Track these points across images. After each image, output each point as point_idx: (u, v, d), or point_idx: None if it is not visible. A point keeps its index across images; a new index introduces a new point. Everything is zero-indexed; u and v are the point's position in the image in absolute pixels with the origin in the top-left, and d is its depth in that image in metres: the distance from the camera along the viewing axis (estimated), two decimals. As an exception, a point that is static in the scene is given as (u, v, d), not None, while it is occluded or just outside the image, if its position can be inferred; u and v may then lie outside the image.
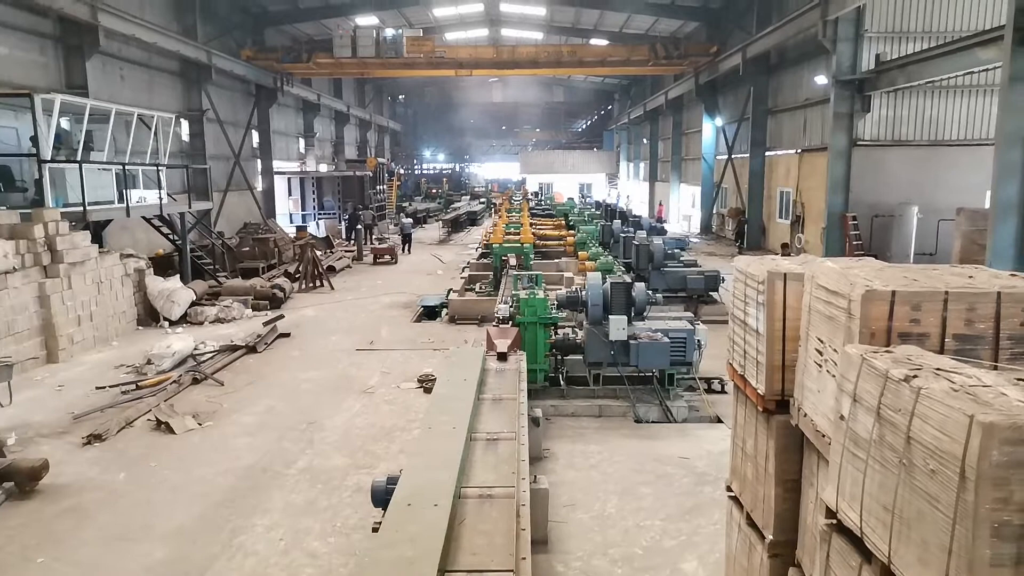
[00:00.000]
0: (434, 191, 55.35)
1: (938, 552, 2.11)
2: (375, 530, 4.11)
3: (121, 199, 14.81)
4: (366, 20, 32.62)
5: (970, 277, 3.19)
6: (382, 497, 4.62)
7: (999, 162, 11.95)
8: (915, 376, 2.29)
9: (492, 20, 38.45)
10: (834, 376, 3.01)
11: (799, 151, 23.39)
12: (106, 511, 6.55)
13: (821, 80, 21.23)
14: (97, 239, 14.03)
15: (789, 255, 14.85)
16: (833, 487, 2.77)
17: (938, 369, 2.34)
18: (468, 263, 20.62)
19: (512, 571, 3.64)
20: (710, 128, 32.02)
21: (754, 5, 25.44)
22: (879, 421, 2.43)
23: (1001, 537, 1.96)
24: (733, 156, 29.09)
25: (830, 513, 2.80)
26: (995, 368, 2.71)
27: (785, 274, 3.87)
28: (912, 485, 2.23)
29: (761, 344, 3.99)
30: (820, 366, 3.34)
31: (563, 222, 24.26)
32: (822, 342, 3.31)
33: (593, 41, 36.30)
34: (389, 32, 28.80)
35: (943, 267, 3.53)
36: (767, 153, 26.24)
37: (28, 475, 6.78)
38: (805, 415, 3.52)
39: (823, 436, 3.26)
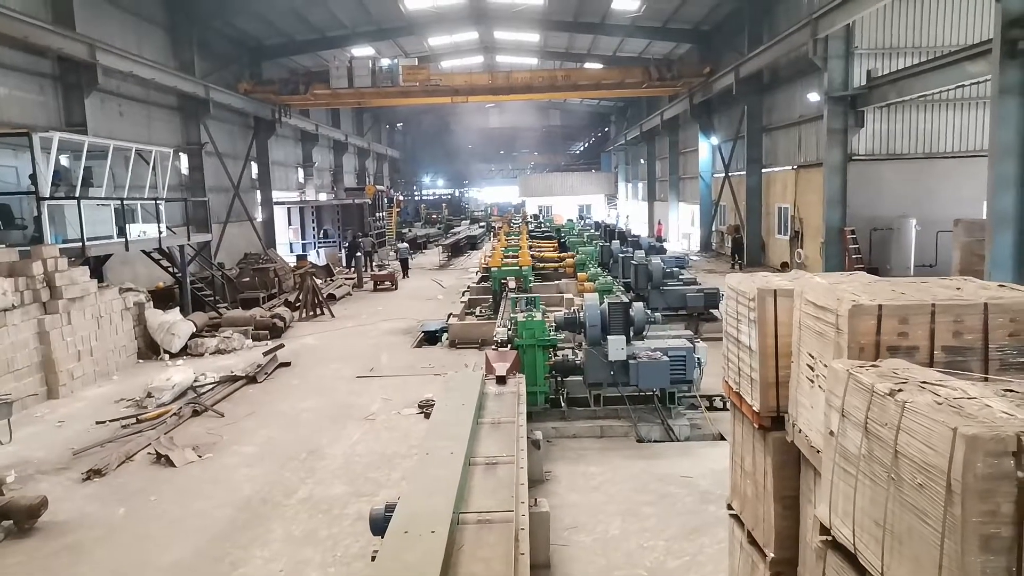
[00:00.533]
0: (434, 216, 55.57)
1: (930, 567, 2.10)
2: (374, 559, 4.08)
3: (120, 234, 14.89)
4: (362, 51, 33.01)
5: (958, 289, 3.20)
6: (381, 525, 4.58)
7: (993, 174, 11.98)
8: (900, 390, 2.29)
9: (487, 47, 38.88)
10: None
11: (795, 167, 23.50)
12: (105, 547, 6.51)
13: (814, 97, 21.40)
14: (97, 274, 14.09)
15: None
16: (826, 503, 2.75)
17: (923, 382, 2.34)
18: (468, 287, 20.63)
19: (510, 597, 3.61)
20: (706, 147, 32.20)
21: (745, 26, 25.71)
22: (867, 436, 2.42)
23: (991, 550, 1.95)
24: (730, 174, 29.22)
25: (824, 530, 2.78)
26: (986, 379, 2.71)
27: (775, 291, 3.88)
28: (901, 500, 2.22)
29: (754, 361, 3.99)
30: (812, 381, 3.33)
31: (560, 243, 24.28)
32: (813, 357, 3.31)
33: (587, 65, 36.68)
34: (385, 62, 29.14)
35: (932, 280, 3.54)
36: (763, 170, 26.37)
37: (26, 513, 6.74)
38: (800, 431, 3.50)
39: (818, 452, 3.24)
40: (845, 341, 2.93)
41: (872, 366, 2.62)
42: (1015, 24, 11.42)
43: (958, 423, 1.98)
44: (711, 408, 9.57)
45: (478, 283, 20.44)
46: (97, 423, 10.06)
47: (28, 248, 11.97)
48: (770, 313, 3.89)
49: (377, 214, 37.35)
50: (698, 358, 9.11)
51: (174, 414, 10.20)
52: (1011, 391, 2.34)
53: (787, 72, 23.81)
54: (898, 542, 2.25)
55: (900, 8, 19.13)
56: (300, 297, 19.10)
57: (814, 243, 21.25)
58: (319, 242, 33.41)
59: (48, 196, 12.92)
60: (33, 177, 12.75)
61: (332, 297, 20.71)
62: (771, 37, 22.50)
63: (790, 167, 23.97)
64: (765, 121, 26.25)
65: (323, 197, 37.81)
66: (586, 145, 76.62)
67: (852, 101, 18.83)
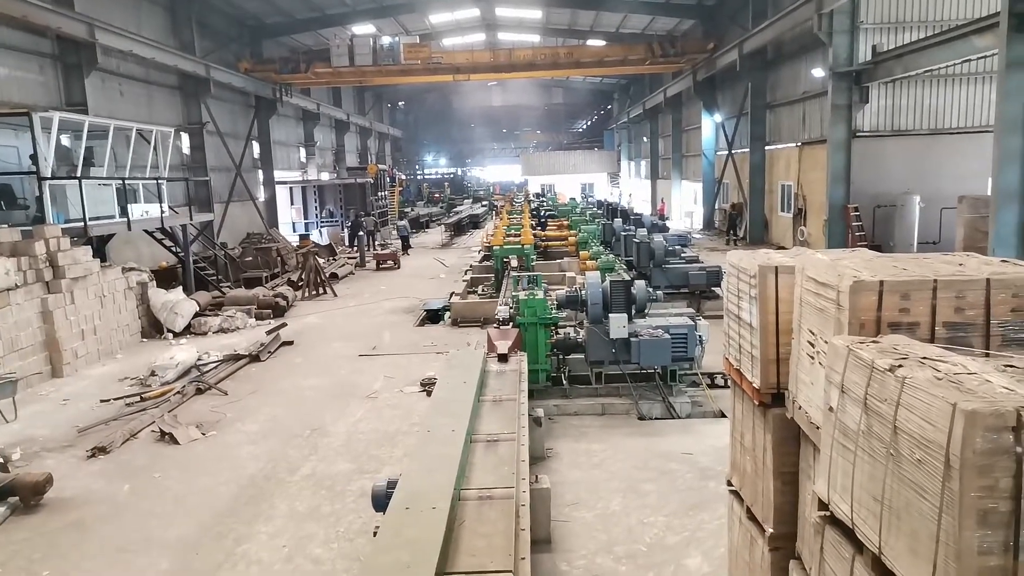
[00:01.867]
0: (436, 196, 55.40)
1: (927, 542, 2.10)
2: (376, 534, 4.11)
3: (123, 213, 14.88)
4: (363, 29, 32.68)
5: (960, 265, 3.18)
6: (383, 501, 4.61)
7: (999, 149, 11.91)
8: (900, 366, 2.28)
9: (488, 24, 38.48)
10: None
11: (799, 144, 23.33)
12: (110, 523, 6.57)
13: (818, 73, 21.17)
14: (100, 254, 14.09)
15: (791, 249, 14.80)
16: (824, 479, 2.75)
17: (923, 358, 2.33)
18: (471, 266, 20.62)
19: (511, 571, 3.64)
20: (709, 124, 31.97)
21: (749, 1, 25.40)
22: (866, 412, 2.42)
23: (988, 525, 1.95)
24: (733, 151, 29.03)
25: (822, 505, 2.79)
26: (987, 355, 2.70)
27: (776, 267, 3.86)
28: (900, 475, 2.22)
29: (755, 338, 3.98)
30: (813, 358, 3.32)
31: (565, 222, 24.19)
32: (814, 334, 3.30)
33: (590, 42, 36.30)
34: (386, 40, 28.82)
35: (934, 256, 3.52)
36: (767, 147, 26.19)
37: (32, 489, 6.80)
38: (800, 407, 3.50)
39: (817, 428, 3.24)
40: (846, 317, 2.91)
41: (872, 342, 2.61)
42: (1023, -3, 11.28)
43: (958, 398, 1.97)
44: (712, 385, 9.59)
45: (480, 262, 20.42)
46: (101, 401, 10.13)
47: (30, 228, 11.96)
48: (771, 290, 3.88)
49: (379, 193, 37.24)
50: (699, 336, 9.11)
51: (178, 392, 10.26)
52: (1012, 367, 2.33)
53: (791, 48, 23.56)
54: (896, 517, 2.25)
55: (907, -18, 18.87)
56: (303, 276, 19.11)
57: (817, 220, 21.15)
58: (322, 221, 33.35)
59: (49, 176, 12.89)
60: (34, 157, 12.72)
61: (334, 276, 20.73)
62: (775, 12, 22.20)
63: (794, 144, 23.80)
64: (769, 98, 26.02)
65: (325, 176, 37.68)
66: (589, 123, 76.22)
67: (857, 77, 18.64)
